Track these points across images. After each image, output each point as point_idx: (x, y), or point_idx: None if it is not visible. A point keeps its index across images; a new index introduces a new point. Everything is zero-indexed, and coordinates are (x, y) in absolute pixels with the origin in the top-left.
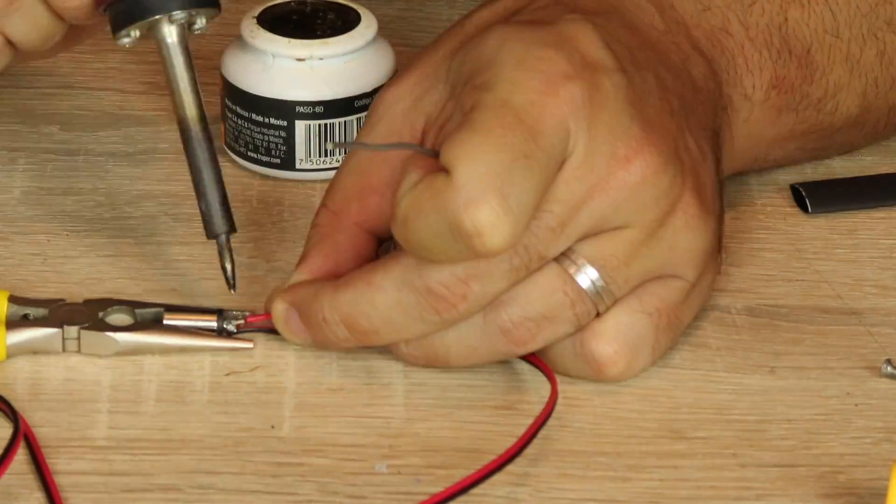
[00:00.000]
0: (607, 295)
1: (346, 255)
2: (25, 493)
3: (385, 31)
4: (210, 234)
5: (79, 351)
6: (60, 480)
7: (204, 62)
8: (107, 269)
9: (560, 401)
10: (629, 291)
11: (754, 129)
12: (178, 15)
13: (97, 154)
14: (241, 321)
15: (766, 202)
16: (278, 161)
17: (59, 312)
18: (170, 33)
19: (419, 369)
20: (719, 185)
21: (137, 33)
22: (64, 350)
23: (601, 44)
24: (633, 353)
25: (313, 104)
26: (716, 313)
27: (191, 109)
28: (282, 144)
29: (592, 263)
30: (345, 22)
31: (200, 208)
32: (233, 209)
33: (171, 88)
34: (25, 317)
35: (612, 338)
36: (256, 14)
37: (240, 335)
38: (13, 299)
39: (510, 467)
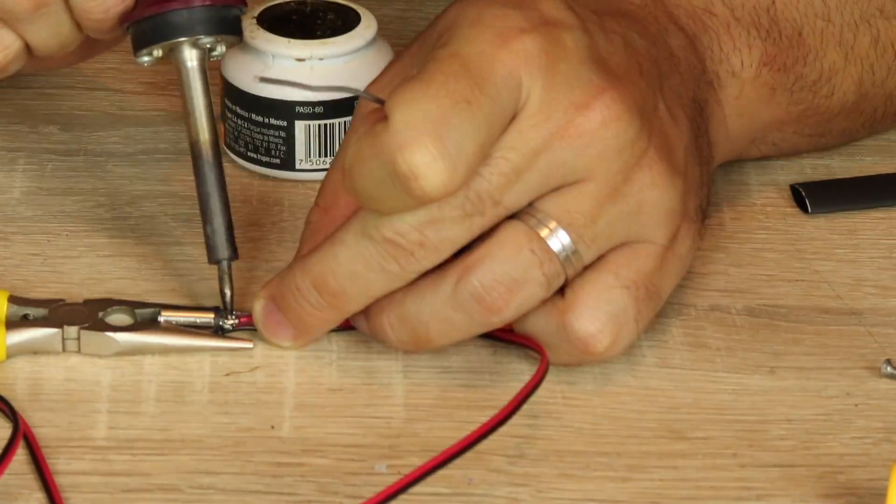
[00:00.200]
0: (575, 257)
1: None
2: (25, 493)
3: (385, 32)
4: (212, 258)
5: (79, 351)
6: (60, 480)
7: None
8: (107, 269)
9: (560, 401)
10: (599, 259)
11: (747, 107)
12: (204, 40)
13: (97, 154)
14: (237, 321)
15: (767, 202)
16: (278, 161)
17: (59, 312)
18: (191, 57)
19: (419, 369)
20: (696, 155)
21: (159, 53)
22: (64, 350)
23: (563, 5)
24: (617, 328)
25: (313, 104)
26: (716, 313)
27: (204, 134)
28: (281, 145)
29: (558, 221)
30: (345, 22)
31: (205, 232)
32: (233, 209)
33: (186, 111)
34: (25, 317)
35: (594, 316)
36: (256, 14)
37: (239, 336)
38: (13, 299)
39: (511, 467)
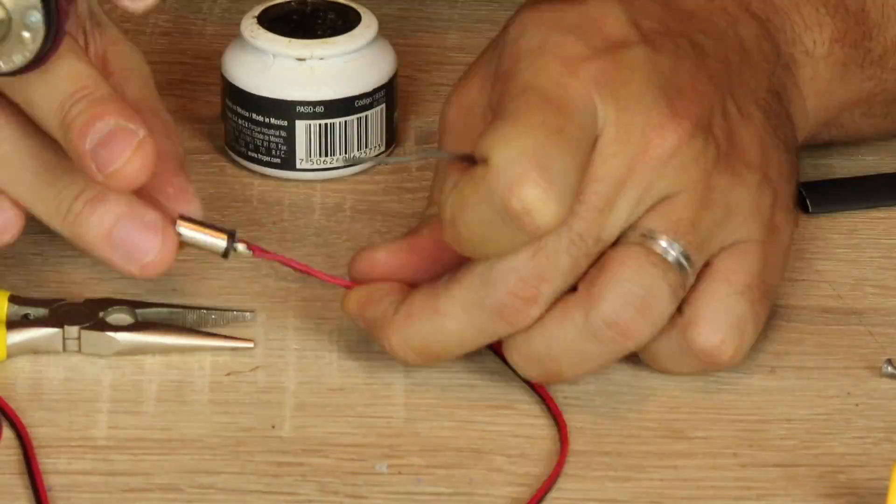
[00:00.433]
0: (689, 264)
1: (430, 259)
2: (26, 493)
3: (385, 31)
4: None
5: (79, 351)
6: (60, 480)
7: (204, 62)
8: (107, 268)
9: (561, 400)
10: (706, 269)
11: (822, 86)
12: None
13: None
14: (249, 253)
15: None
16: (279, 161)
17: (59, 312)
18: None
19: (419, 369)
20: (778, 144)
21: None
22: (64, 350)
23: (626, 21)
24: (739, 334)
25: (314, 104)
26: None
27: None
28: (282, 144)
29: (664, 233)
30: (345, 22)
31: None
32: (233, 209)
33: None
34: (26, 317)
35: (716, 327)
36: (257, 14)
37: (240, 336)
38: (13, 299)
39: (511, 467)
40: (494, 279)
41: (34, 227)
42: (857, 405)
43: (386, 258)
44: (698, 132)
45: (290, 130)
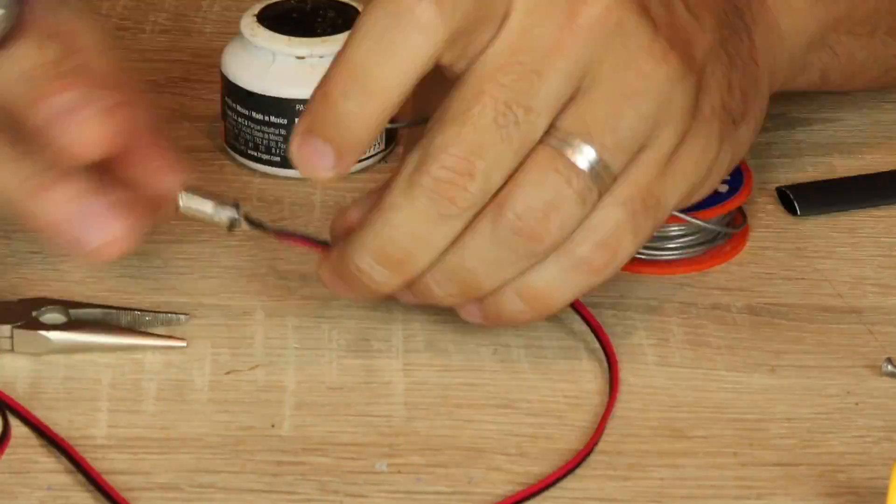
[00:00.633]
0: (603, 168)
1: None
2: (26, 493)
3: None
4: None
5: (12, 350)
6: (60, 479)
7: (203, 60)
8: (107, 267)
9: (561, 399)
10: (625, 165)
11: (798, 3)
12: None
13: None
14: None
15: (767, 200)
16: (278, 159)
17: None
18: None
19: (419, 367)
20: (728, 56)
21: None
22: None
23: None
24: (612, 246)
25: None
26: (716, 312)
27: None
28: (282, 143)
29: (579, 136)
30: (345, 20)
31: None
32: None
33: None
34: None
35: (588, 236)
36: (256, 12)
37: (171, 335)
38: None
39: (511, 466)
40: (427, 159)
41: None
42: (857, 404)
43: (359, 214)
44: (632, 5)
45: (290, 129)
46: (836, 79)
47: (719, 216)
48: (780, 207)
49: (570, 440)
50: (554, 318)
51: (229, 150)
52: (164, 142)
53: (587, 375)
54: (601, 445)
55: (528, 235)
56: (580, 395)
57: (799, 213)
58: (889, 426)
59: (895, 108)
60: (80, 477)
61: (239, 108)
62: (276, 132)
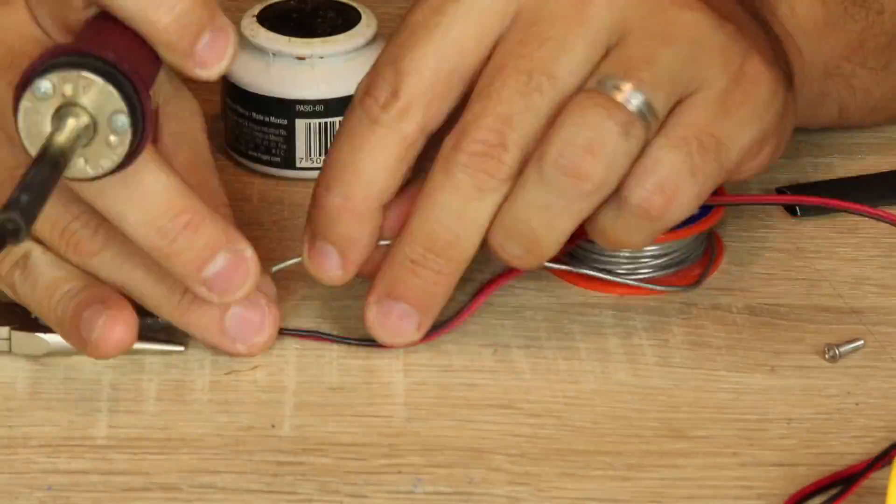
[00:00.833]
0: (646, 107)
1: None
2: (26, 493)
3: (385, 30)
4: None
5: (9, 351)
6: (60, 480)
7: None
8: None
9: (561, 399)
10: (670, 105)
11: (805, 23)
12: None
13: None
14: None
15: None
16: (278, 160)
17: None
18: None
19: (419, 368)
20: (758, 26)
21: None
22: None
23: None
24: (671, 188)
25: (314, 103)
26: (717, 312)
27: None
28: (282, 143)
29: (615, 75)
30: (345, 20)
31: None
32: (233, 208)
33: None
34: None
35: (642, 180)
36: (257, 12)
37: (170, 340)
38: None
39: (511, 466)
40: (460, 136)
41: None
42: (857, 404)
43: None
44: None
45: (290, 129)
46: (856, 114)
47: (691, 237)
48: (780, 208)
49: (570, 440)
50: (554, 319)
51: (229, 150)
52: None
53: (587, 375)
54: (601, 445)
55: (573, 173)
56: (580, 395)
57: (799, 213)
58: (889, 426)
59: None
60: (81, 477)
61: (239, 108)
62: (277, 132)
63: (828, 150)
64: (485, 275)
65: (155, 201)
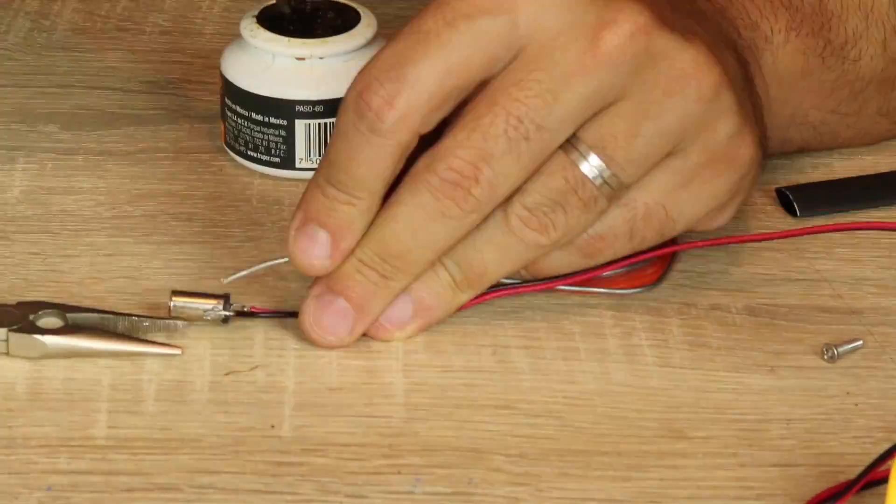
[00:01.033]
0: (612, 179)
1: None
2: (25, 493)
3: (385, 31)
4: None
5: (7, 353)
6: (60, 480)
7: (205, 61)
8: (106, 268)
9: (560, 400)
10: (639, 178)
11: (784, 75)
12: None
13: (97, 153)
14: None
15: (767, 201)
16: (278, 160)
17: None
18: None
19: (419, 368)
20: (747, 92)
21: None
22: None
23: None
24: (610, 240)
25: (313, 103)
26: (716, 312)
27: None
28: (282, 144)
29: (590, 146)
30: (344, 21)
31: None
32: (233, 208)
33: None
34: None
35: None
36: (256, 13)
37: (167, 342)
38: None
39: (511, 467)
40: (436, 159)
41: (34, 227)
42: (856, 405)
43: None
44: (658, 27)
45: (290, 130)
46: (816, 150)
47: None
48: (780, 208)
49: (570, 440)
50: (554, 319)
51: (229, 150)
52: None
53: (587, 376)
54: (601, 446)
55: (535, 226)
56: (580, 395)
57: (799, 213)
58: (889, 427)
59: None
60: (81, 477)
61: (239, 109)
62: (276, 133)
63: (827, 150)
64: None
65: None
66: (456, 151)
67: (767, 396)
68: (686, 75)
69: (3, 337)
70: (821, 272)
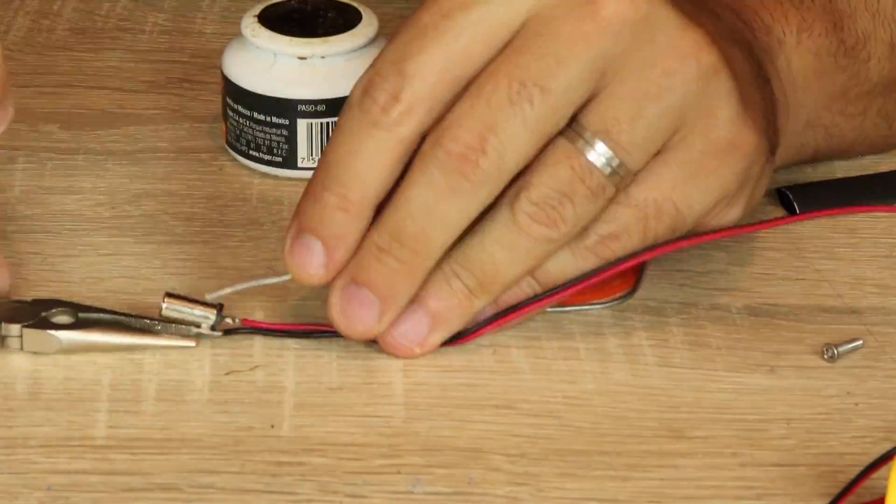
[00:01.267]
0: (620, 167)
1: None
2: (25, 493)
3: (386, 30)
4: None
5: (21, 349)
6: (60, 480)
7: (205, 61)
8: (106, 268)
9: (560, 400)
10: (644, 164)
11: (798, 75)
12: None
13: (97, 153)
14: (238, 322)
15: (767, 201)
16: (280, 160)
17: (2, 310)
18: None
19: (419, 368)
20: (759, 87)
21: None
22: (4, 347)
23: None
24: (625, 238)
25: (315, 103)
26: (716, 312)
27: None
28: (283, 143)
29: (595, 133)
30: (346, 20)
31: None
32: (233, 208)
33: None
34: None
35: (597, 227)
36: (257, 13)
37: (181, 335)
38: None
39: (511, 467)
40: (442, 135)
41: (34, 227)
42: (856, 405)
43: None
44: (671, 7)
45: (292, 129)
46: (827, 155)
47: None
48: (780, 208)
49: (570, 440)
50: (554, 319)
51: (231, 150)
52: None
53: (587, 376)
54: (601, 445)
55: (543, 220)
56: (580, 395)
57: (799, 213)
58: (889, 427)
59: None
60: (81, 477)
61: (240, 108)
62: (278, 133)
63: (836, 156)
64: None
65: None
66: (461, 122)
67: (767, 396)
68: (685, 54)
69: (17, 333)
70: (821, 272)
